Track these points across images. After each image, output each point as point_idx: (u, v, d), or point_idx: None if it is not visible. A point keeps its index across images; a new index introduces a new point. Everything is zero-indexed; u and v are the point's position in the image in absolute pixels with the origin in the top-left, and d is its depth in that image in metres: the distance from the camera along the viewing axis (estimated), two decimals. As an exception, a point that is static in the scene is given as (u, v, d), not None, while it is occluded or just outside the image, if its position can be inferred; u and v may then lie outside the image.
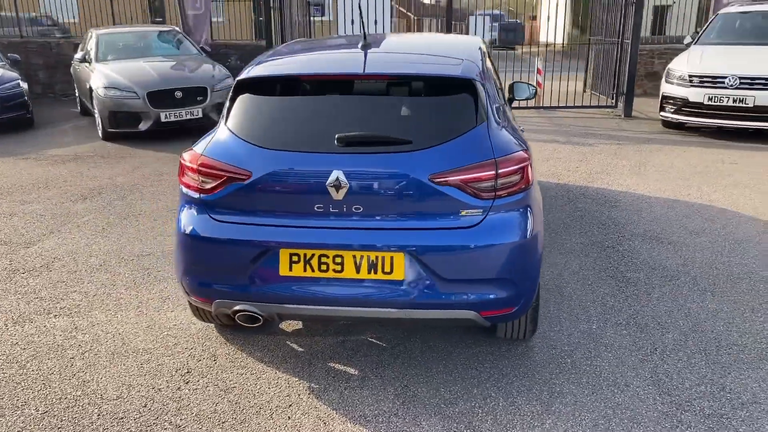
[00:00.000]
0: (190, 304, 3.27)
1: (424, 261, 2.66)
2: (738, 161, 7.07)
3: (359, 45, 3.20)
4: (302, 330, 3.44)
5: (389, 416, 2.70)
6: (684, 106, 8.32)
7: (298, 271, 2.75)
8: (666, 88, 8.65)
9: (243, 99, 2.98)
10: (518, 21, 12.09)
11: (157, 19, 21.74)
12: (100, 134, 8.85)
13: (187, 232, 2.90)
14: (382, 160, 2.69)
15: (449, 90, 2.87)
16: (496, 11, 32.03)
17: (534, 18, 34.62)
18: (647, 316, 3.52)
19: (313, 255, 2.73)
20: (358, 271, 2.71)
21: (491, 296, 2.71)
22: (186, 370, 3.09)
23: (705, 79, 8.13)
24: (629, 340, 3.27)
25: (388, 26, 10.74)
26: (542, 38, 14.34)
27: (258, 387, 2.94)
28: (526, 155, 2.76)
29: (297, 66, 3.19)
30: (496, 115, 2.92)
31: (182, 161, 2.96)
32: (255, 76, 3.01)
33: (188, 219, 2.91)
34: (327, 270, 2.73)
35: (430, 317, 2.77)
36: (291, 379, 2.99)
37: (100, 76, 8.77)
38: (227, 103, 3.02)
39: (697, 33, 9.69)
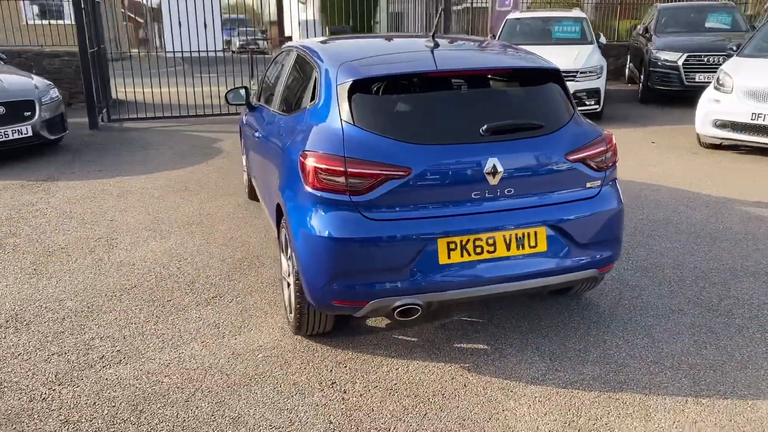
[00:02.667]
0: (304, 314, 3.15)
1: (563, 231, 3.04)
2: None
3: (428, 43, 3.41)
4: (391, 324, 3.51)
5: (545, 374, 3.03)
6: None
7: (455, 257, 2.91)
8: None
9: (364, 97, 3.01)
10: (344, 26, 12.46)
11: None
12: None
13: (338, 236, 2.84)
14: (528, 144, 2.99)
15: (543, 80, 3.25)
16: (242, 15, 32.12)
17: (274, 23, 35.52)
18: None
19: (468, 240, 2.92)
20: (508, 249, 2.98)
21: (607, 254, 3.20)
22: (331, 381, 2.99)
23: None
24: (665, 288, 4.04)
25: (219, 30, 10.34)
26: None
27: (417, 378, 3.01)
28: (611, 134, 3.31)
29: (408, 64, 3.26)
30: None
31: (316, 165, 2.87)
32: (374, 75, 3.04)
33: (336, 223, 2.85)
34: (482, 252, 2.95)
35: (566, 280, 3.16)
36: (438, 365, 3.11)
37: None
38: (338, 103, 3.00)
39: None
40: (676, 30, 11.93)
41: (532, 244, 3.01)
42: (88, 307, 3.77)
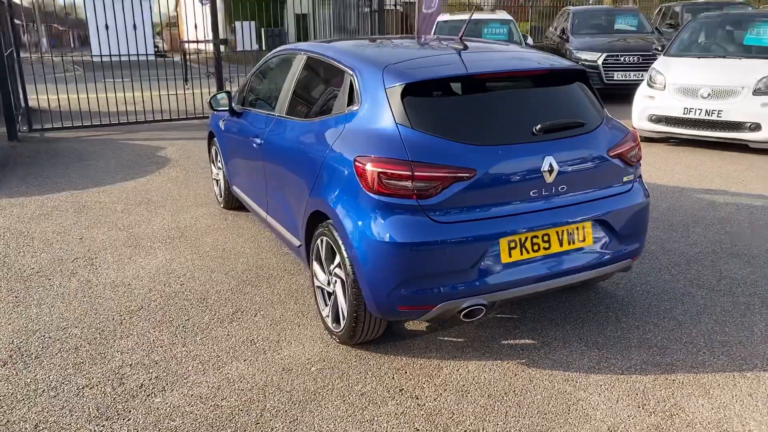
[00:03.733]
0: (360, 322, 3.08)
1: (606, 224, 3.18)
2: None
3: (456, 46, 3.45)
4: (431, 326, 3.51)
5: (599, 362, 3.15)
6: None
7: (516, 256, 2.97)
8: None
9: (418, 100, 2.99)
10: (280, 28, 12.09)
11: None
12: None
13: (408, 240, 2.80)
14: (577, 142, 3.10)
15: (573, 79, 3.36)
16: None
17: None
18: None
19: (527, 238, 2.98)
20: (561, 245, 3.07)
21: (638, 244, 3.38)
22: (398, 388, 2.95)
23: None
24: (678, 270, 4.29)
25: (149, 32, 9.77)
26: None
27: (482, 378, 3.03)
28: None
29: (455, 67, 3.24)
30: None
31: (379, 170, 2.82)
32: (427, 78, 3.02)
33: (405, 227, 2.81)
34: (538, 249, 3.02)
35: (608, 271, 3.29)
36: (495, 363, 3.15)
37: None
38: (390, 106, 2.96)
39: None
40: (590, 32, 12.70)
41: (581, 238, 3.12)
42: (100, 334, 3.48)
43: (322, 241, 3.31)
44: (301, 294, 3.94)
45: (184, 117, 9.95)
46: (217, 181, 5.76)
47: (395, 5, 14.85)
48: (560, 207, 3.06)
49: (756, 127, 7.23)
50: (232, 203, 5.53)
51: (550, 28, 15.55)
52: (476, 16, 11.62)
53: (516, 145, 2.96)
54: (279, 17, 26.53)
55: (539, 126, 3.01)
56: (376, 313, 3.02)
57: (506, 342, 3.35)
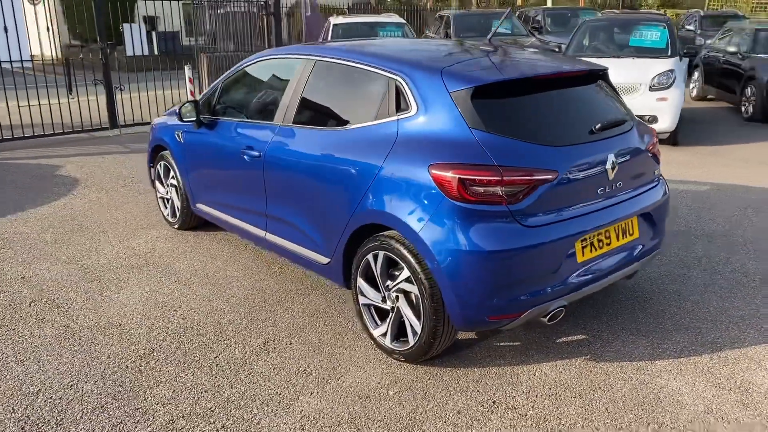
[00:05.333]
0: (438, 337, 2.95)
1: (648, 216, 3.34)
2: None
3: (487, 48, 3.44)
4: (479, 333, 3.45)
5: (655, 349, 3.29)
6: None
7: (587, 254, 3.02)
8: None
9: (486, 103, 2.93)
10: (174, 31, 10.90)
11: None
12: None
13: (500, 248, 2.73)
14: (627, 138, 3.21)
15: (599, 79, 3.47)
16: None
17: None
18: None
19: (595, 236, 3.04)
20: (618, 239, 3.17)
21: (663, 235, 3.58)
22: (491, 401, 2.86)
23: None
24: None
25: (24, 35, 8.54)
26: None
27: (562, 379, 3.03)
28: None
29: (512, 69, 3.19)
30: None
31: (464, 177, 2.71)
32: (494, 80, 2.96)
33: (497, 235, 2.74)
34: (602, 246, 3.10)
35: (647, 260, 3.45)
36: (564, 362, 3.17)
37: None
38: (458, 110, 2.87)
39: None
40: (468, 34, 13.29)
41: (631, 231, 3.24)
42: (122, 387, 2.99)
43: (376, 256, 3.11)
44: (329, 314, 3.68)
45: (70, 131, 8.88)
46: (166, 200, 5.21)
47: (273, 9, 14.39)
48: (618, 203, 3.15)
49: (653, 119, 7.99)
50: (191, 223, 5.04)
51: (427, 31, 16.04)
52: (372, 18, 11.66)
53: (584, 145, 3.00)
54: (123, 19, 24.68)
55: (599, 125, 3.07)
56: (462, 326, 2.90)
57: (561, 340, 3.38)
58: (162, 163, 5.08)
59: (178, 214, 5.04)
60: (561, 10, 16.63)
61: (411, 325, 3.04)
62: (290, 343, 3.37)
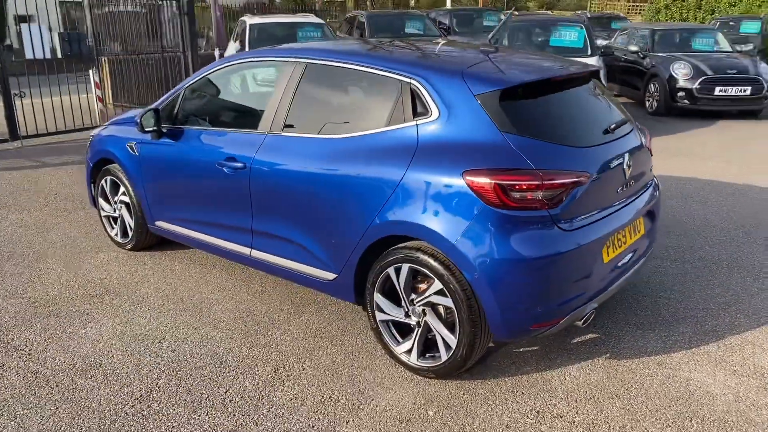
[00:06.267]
0: (476, 348, 2.84)
1: (651, 213, 3.42)
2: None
3: (488, 49, 3.38)
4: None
5: (665, 341, 3.37)
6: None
7: (610, 254, 3.04)
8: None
9: (513, 105, 2.86)
10: (79, 31, 9.72)
11: None
12: None
13: (544, 254, 2.68)
14: (634, 137, 3.26)
15: (593, 78, 3.49)
16: None
17: None
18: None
19: (615, 235, 3.05)
20: (631, 237, 3.22)
21: (656, 232, 3.68)
22: (535, 411, 2.79)
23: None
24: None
25: None
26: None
27: (593, 380, 3.02)
28: None
29: (532, 70, 3.11)
30: None
31: (503, 183, 2.62)
32: (520, 82, 2.89)
33: (538, 241, 2.68)
34: (620, 245, 3.13)
35: (649, 257, 3.52)
36: (588, 363, 3.16)
37: None
38: (487, 113, 2.78)
39: None
40: (384, 35, 13.28)
41: (639, 229, 3.30)
42: (129, 436, 2.63)
43: (398, 269, 2.95)
44: (332, 333, 3.46)
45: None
46: (113, 219, 4.72)
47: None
48: (632, 201, 3.19)
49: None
50: (145, 243, 4.60)
51: (338, 32, 15.85)
52: (290, 18, 11.31)
53: (605, 145, 3.00)
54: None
55: (613, 125, 3.09)
56: (504, 337, 2.81)
57: (576, 340, 3.38)
58: (108, 178, 4.59)
59: (131, 234, 4.58)
60: (466, 11, 17.04)
61: (443, 340, 2.90)
62: (303, 369, 3.13)
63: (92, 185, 4.85)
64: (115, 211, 4.67)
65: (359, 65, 3.20)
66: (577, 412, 2.78)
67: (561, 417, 2.75)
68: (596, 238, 2.85)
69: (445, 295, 2.81)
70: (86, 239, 4.93)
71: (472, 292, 2.73)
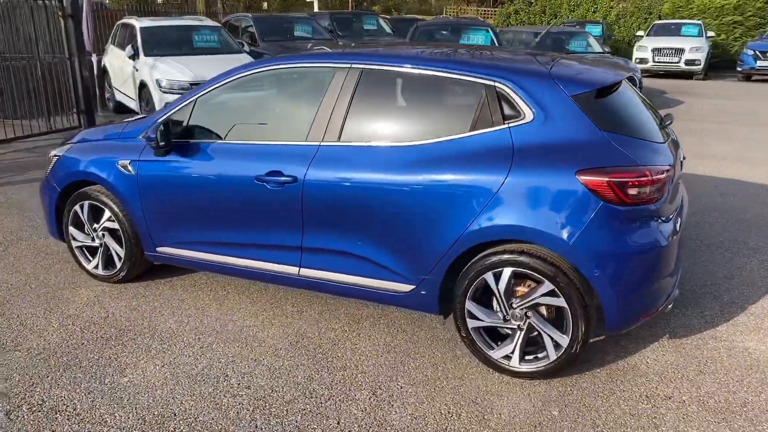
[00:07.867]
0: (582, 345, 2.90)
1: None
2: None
3: (541, 53, 3.50)
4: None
5: (702, 318, 3.68)
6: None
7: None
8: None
9: (603, 105, 2.99)
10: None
11: None
12: None
13: (656, 246, 2.86)
14: (672, 131, 3.49)
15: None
16: None
17: None
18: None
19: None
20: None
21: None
22: (662, 395, 2.92)
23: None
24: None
25: None
26: None
27: (646, 367, 3.21)
28: None
29: (605, 72, 3.21)
30: None
31: (622, 180, 2.72)
32: (608, 82, 3.05)
33: (649, 234, 2.86)
34: (677, 233, 3.35)
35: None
36: (624, 347, 3.36)
37: None
38: (585, 114, 2.86)
39: None
40: (274, 38, 12.97)
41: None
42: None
43: (498, 274, 2.93)
44: (405, 347, 3.34)
45: None
46: (90, 249, 4.15)
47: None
48: (678, 193, 3.43)
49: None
50: (137, 273, 4.11)
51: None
52: (183, 22, 10.57)
53: (668, 140, 3.20)
54: None
55: (667, 121, 3.31)
56: (617, 329, 2.91)
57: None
58: (86, 203, 4.02)
59: (119, 264, 4.05)
60: (345, 14, 17.07)
61: (552, 339, 2.93)
62: (400, 387, 2.99)
63: (55, 212, 4.23)
64: (94, 240, 4.10)
65: (432, 69, 3.13)
66: (680, 392, 2.95)
67: (670, 398, 2.91)
68: (679, 227, 3.05)
69: (557, 296, 2.84)
70: (50, 275, 4.28)
71: (586, 290, 2.79)
